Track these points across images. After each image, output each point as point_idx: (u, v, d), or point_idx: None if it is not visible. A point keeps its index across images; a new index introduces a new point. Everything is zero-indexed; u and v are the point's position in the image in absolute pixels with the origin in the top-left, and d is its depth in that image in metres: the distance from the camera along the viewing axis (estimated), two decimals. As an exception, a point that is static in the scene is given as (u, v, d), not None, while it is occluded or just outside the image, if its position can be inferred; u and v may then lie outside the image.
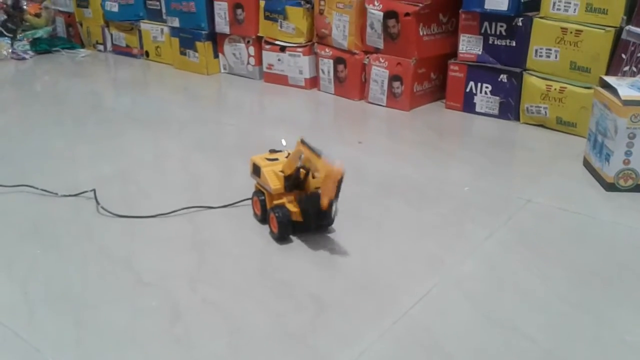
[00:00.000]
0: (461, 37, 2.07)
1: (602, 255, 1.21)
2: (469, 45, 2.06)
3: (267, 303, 1.05)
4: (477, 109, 2.10)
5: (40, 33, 3.32)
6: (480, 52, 2.04)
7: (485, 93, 2.06)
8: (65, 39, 3.40)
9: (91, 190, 1.46)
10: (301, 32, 2.39)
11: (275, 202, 1.29)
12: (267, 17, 2.47)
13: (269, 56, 2.52)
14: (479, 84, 2.07)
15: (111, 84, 2.81)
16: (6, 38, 3.24)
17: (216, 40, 2.71)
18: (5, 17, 3.29)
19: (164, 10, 2.84)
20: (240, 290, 1.10)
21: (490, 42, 2.02)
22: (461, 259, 1.20)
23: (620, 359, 0.92)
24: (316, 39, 2.38)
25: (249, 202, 1.39)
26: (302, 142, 1.24)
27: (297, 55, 2.43)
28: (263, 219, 1.33)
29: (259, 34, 2.53)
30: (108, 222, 1.36)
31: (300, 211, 1.26)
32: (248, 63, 2.63)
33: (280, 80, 2.51)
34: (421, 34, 2.09)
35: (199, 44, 2.70)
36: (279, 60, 2.49)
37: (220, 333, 0.98)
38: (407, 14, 2.06)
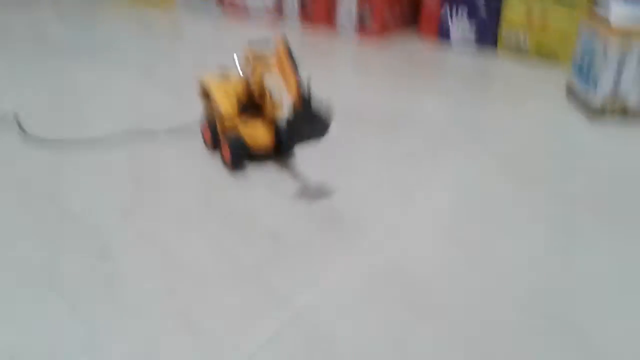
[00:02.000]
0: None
1: (586, 182, 1.10)
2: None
3: (214, 238, 0.91)
4: (453, 36, 1.94)
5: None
6: (456, -28, 1.87)
7: (462, 15, 1.90)
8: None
9: (13, 115, 1.28)
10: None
11: (228, 126, 1.13)
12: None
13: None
14: (454, 7, 1.91)
15: (55, 17, 2.55)
16: None
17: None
18: None
19: None
20: (183, 224, 0.95)
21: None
22: (437, 187, 1.07)
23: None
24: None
25: (198, 130, 1.23)
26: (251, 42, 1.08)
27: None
28: (214, 146, 1.17)
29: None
30: (32, 150, 1.19)
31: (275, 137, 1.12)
32: (205, -10, 2.40)
33: (240, 11, 2.30)
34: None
35: (149, -31, 2.45)
36: (238, -15, 2.27)
37: (156, 270, 0.83)
38: None
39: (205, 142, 1.21)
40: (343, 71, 1.79)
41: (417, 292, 0.80)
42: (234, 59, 1.22)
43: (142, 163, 1.15)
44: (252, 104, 1.14)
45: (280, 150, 1.15)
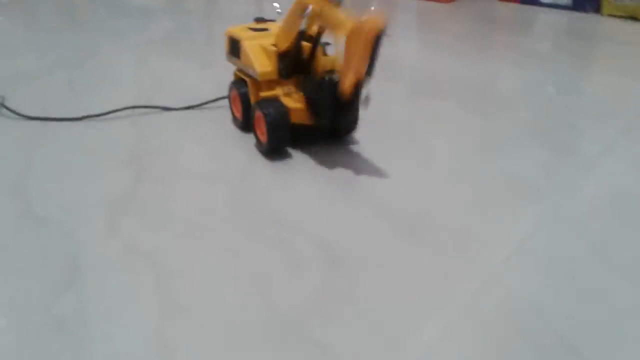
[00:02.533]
0: None
1: None
2: None
3: (240, 254, 0.59)
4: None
5: None
6: None
7: (555, -25, 1.54)
8: None
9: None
10: None
11: (264, 94, 0.81)
12: None
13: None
14: (547, -36, 1.54)
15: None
16: None
17: None
18: None
19: None
20: (196, 235, 0.63)
21: None
22: (566, 183, 0.72)
23: None
24: None
25: (225, 102, 0.92)
26: None
27: None
28: (246, 123, 0.86)
29: None
30: (10, 126, 0.90)
31: (307, 105, 0.79)
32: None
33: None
34: None
35: None
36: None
37: (147, 312, 0.52)
38: None
39: (234, 116, 0.90)
40: (408, 33, 1.44)
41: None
42: (275, 7, 0.90)
43: (148, 144, 0.84)
44: (299, 65, 0.82)
45: (337, 129, 0.83)
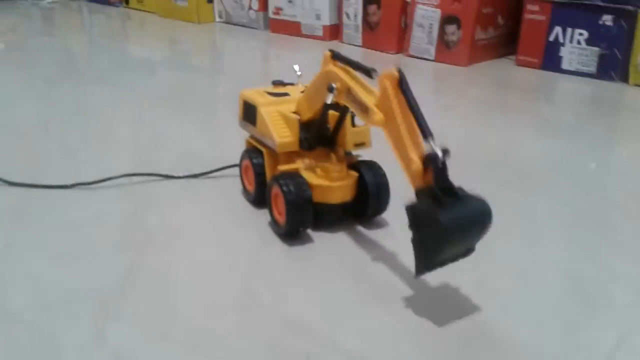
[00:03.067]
0: (546, -35, 1.48)
1: None
2: (557, -24, 1.47)
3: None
4: (565, 66, 1.51)
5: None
6: (572, -15, 1.45)
7: (578, 43, 1.48)
8: (32, -17, 2.81)
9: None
10: (321, -36, 1.81)
11: (283, 167, 0.71)
12: (277, -56, 1.88)
13: (277, -3, 1.94)
14: (569, 30, 1.48)
15: (76, 37, 2.22)
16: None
17: (211, -21, 2.12)
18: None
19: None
20: (199, 343, 0.51)
21: (590, -31, 1.43)
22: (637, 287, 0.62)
23: None
24: (341, -29, 1.79)
25: (236, 170, 0.81)
26: (335, 55, 0.66)
27: (314, -6, 1.85)
28: (259, 197, 0.75)
29: (265, -32, 1.94)
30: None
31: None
32: (250, 7, 2.04)
33: (291, 28, 1.93)
34: (491, -44, 1.50)
35: (188, -17, 2.11)
36: (289, 1, 1.91)
37: None
38: None
39: (245, 188, 0.79)
40: (424, 97, 1.36)
41: None
42: (295, 71, 0.81)
43: (146, 220, 0.73)
44: (324, 135, 0.72)
45: (364, 211, 0.72)
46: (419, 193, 0.54)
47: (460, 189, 0.53)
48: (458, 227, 0.51)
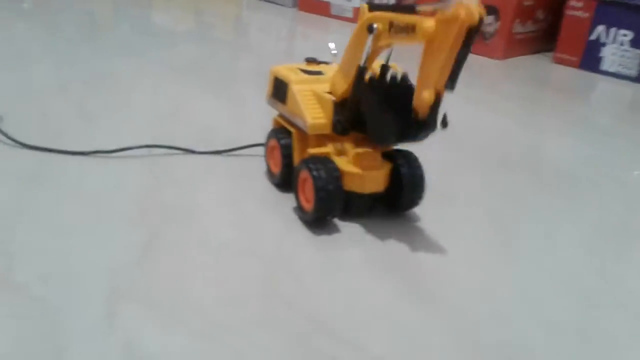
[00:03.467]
0: (594, -41, 1.41)
1: None
2: (605, -28, 1.40)
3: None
4: (605, 67, 1.45)
5: None
6: (621, -17, 1.39)
7: (621, 44, 1.41)
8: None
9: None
10: (357, -57, 1.74)
11: (313, 150, 0.67)
12: None
13: (309, -26, 1.88)
14: (612, 30, 1.42)
15: (98, 2, 2.18)
16: None
17: (242, -49, 2.06)
18: None
19: None
20: (215, 333, 0.48)
21: (641, -33, 1.36)
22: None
23: None
24: (377, -48, 1.72)
25: (260, 149, 0.77)
26: (373, 7, 0.61)
27: (348, -27, 1.78)
28: (284, 180, 0.71)
29: (299, -57, 1.88)
30: (2, 155, 0.75)
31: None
32: (280, -17, 1.98)
33: (320, 8, 1.87)
34: (538, -55, 1.44)
35: (218, -46, 2.05)
36: (322, -20, 1.85)
37: None
38: None
39: (269, 170, 0.75)
40: (457, 88, 1.30)
41: None
42: (329, 48, 0.76)
43: (164, 196, 0.69)
44: (358, 119, 0.67)
45: (396, 203, 0.68)
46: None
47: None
48: None
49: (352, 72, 0.63)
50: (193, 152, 0.79)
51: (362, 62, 0.61)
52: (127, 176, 0.72)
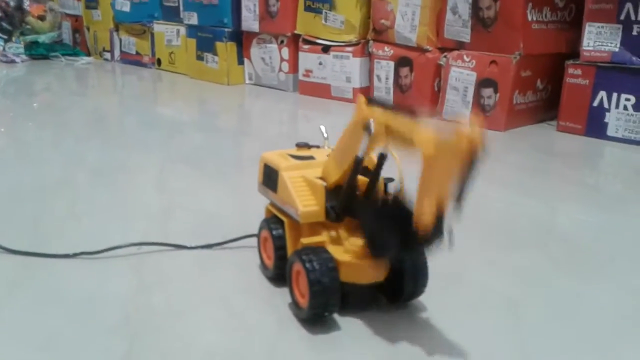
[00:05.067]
0: (587, 27, 1.42)
1: None
2: (599, 39, 1.40)
3: None
4: (611, 133, 1.42)
5: (42, 39, 2.81)
6: (617, 49, 1.38)
7: (625, 108, 1.39)
8: (69, 45, 2.88)
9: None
10: (352, 27, 1.78)
11: (306, 240, 0.63)
12: (308, 8, 1.87)
13: (307, 59, 1.91)
14: (614, 95, 1.40)
15: (107, 97, 2.23)
16: (-1, 39, 2.74)
17: (242, 42, 2.12)
18: (1, 14, 2.80)
19: (181, 8, 2.28)
20: None
21: (636, 32, 1.36)
22: None
23: None
24: (372, 34, 1.76)
25: (254, 241, 0.73)
26: (371, 101, 0.58)
27: (344, 56, 1.81)
28: (278, 274, 0.66)
29: (296, 31, 1.93)
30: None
31: (364, 236, 0.59)
32: (280, 70, 2.02)
33: (320, 91, 1.89)
34: (529, 18, 1.45)
35: (219, 45, 2.12)
36: (320, 64, 1.88)
37: None
38: (510, -10, 1.43)
39: (263, 263, 0.71)
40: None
41: None
42: (321, 132, 0.74)
43: (151, 298, 0.65)
44: (353, 204, 0.64)
45: (399, 293, 0.63)
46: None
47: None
48: None
49: (347, 162, 0.60)
50: (184, 247, 0.76)
51: (359, 153, 0.58)
52: (112, 278, 0.68)
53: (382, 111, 0.55)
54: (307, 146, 0.73)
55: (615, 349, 0.57)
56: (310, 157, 0.69)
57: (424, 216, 0.50)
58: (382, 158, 0.59)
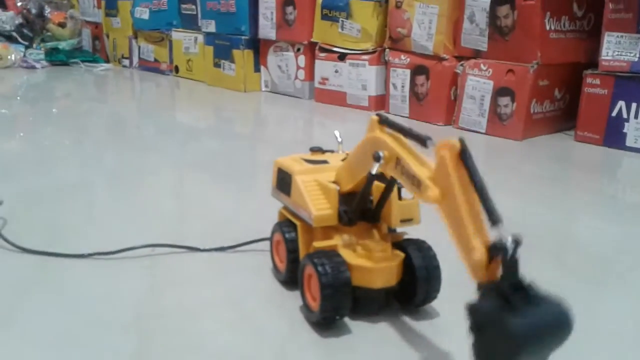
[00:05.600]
0: (606, 37, 1.41)
1: None
2: (618, 49, 1.39)
3: None
4: (629, 143, 1.40)
5: (62, 45, 2.85)
6: (636, 58, 1.37)
7: (644, 118, 1.37)
8: (89, 52, 2.92)
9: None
10: (369, 35, 1.78)
11: (318, 244, 0.63)
12: (324, 17, 1.88)
13: (323, 67, 1.92)
14: (633, 105, 1.38)
15: (125, 103, 2.25)
16: (20, 45, 2.78)
17: (259, 50, 2.14)
18: (23, 21, 2.85)
19: (199, 15, 2.30)
20: None
21: (656, 42, 1.35)
22: None
23: None
24: (388, 43, 1.76)
25: (267, 244, 0.73)
26: (383, 120, 0.59)
27: (361, 64, 1.81)
28: (291, 277, 0.66)
29: (312, 39, 1.93)
30: (2, 260, 0.73)
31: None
32: (296, 77, 2.03)
33: (336, 98, 1.89)
34: (547, 27, 1.44)
35: (236, 53, 2.13)
36: (336, 71, 1.88)
37: None
38: (528, -1, 1.42)
39: (275, 266, 0.70)
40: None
41: None
42: (335, 137, 0.74)
43: (164, 299, 0.65)
44: (366, 208, 0.63)
45: (410, 298, 0.62)
46: (482, 289, 0.44)
47: (533, 287, 0.43)
48: (531, 337, 0.40)
49: (359, 175, 0.60)
50: (197, 249, 0.76)
51: (373, 171, 0.57)
52: (125, 278, 0.69)
53: (393, 140, 0.55)
54: (321, 151, 0.73)
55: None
56: (324, 162, 0.69)
57: (476, 255, 0.44)
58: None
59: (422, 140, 0.52)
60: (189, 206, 0.96)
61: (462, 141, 0.47)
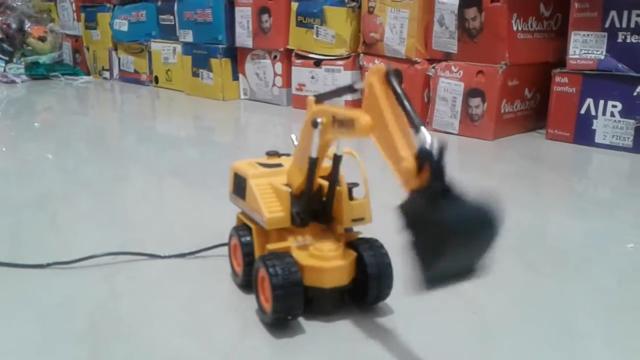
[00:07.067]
0: (573, 36, 1.43)
1: None
2: (585, 47, 1.41)
3: None
4: (599, 139, 1.42)
5: (43, 59, 2.85)
6: (602, 56, 1.39)
7: (612, 115, 1.39)
8: (69, 65, 2.93)
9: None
10: (343, 40, 1.80)
11: (272, 246, 0.63)
12: (299, 23, 1.90)
13: (300, 73, 1.93)
14: (601, 103, 1.40)
15: (106, 115, 2.25)
16: (0, 60, 2.78)
17: (236, 58, 2.15)
18: (3, 36, 2.85)
19: (177, 26, 2.31)
20: None
21: (620, 39, 1.37)
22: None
23: None
24: (362, 48, 1.77)
25: (225, 250, 0.74)
26: (319, 99, 0.60)
27: (336, 70, 1.83)
28: (247, 280, 0.67)
29: (288, 46, 1.95)
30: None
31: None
32: (274, 84, 2.04)
33: (313, 104, 1.90)
34: (515, 28, 1.46)
35: (214, 62, 2.14)
36: (312, 77, 1.89)
37: None
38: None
39: (233, 271, 0.71)
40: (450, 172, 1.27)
41: None
42: (292, 140, 0.75)
43: (115, 309, 0.66)
44: (318, 209, 0.64)
45: (364, 296, 0.63)
46: (412, 193, 0.45)
47: (459, 188, 0.44)
48: (460, 228, 0.42)
49: (305, 164, 0.61)
50: (157, 256, 0.76)
51: (312, 154, 0.59)
52: (83, 287, 0.69)
53: (327, 107, 0.57)
54: (277, 154, 0.74)
55: (583, 347, 0.57)
56: (279, 165, 0.70)
57: (404, 163, 0.45)
58: (337, 159, 0.60)
59: (350, 87, 0.54)
60: (157, 213, 0.97)
61: (387, 65, 0.48)
